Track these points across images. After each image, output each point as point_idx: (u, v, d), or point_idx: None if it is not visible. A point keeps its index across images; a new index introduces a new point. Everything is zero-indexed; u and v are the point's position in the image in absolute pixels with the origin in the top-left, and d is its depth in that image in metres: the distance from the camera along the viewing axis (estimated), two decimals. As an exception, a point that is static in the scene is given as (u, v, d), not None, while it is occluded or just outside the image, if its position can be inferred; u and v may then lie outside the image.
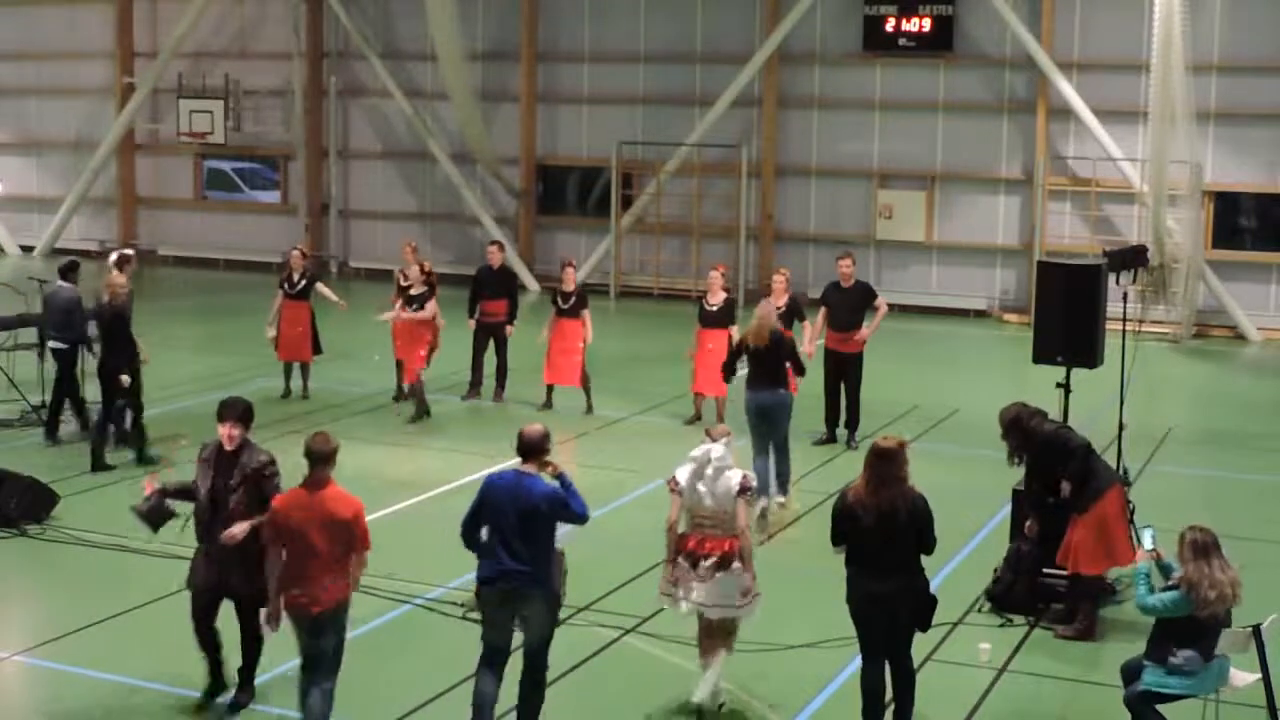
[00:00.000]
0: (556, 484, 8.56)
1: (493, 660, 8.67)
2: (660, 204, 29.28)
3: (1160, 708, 8.51)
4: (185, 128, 32.48)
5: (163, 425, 16.94)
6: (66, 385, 16.10)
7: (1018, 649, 10.54)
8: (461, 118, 29.28)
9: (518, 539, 8.42)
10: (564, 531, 8.72)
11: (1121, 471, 12.05)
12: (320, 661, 8.62)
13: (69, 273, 16.47)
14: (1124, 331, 11.85)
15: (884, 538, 8.65)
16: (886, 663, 8.85)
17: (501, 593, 8.49)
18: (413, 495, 14.12)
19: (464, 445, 16.32)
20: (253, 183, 33.93)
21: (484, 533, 8.58)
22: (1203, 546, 8.38)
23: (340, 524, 8.43)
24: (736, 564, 9.15)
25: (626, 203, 29.38)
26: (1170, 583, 8.50)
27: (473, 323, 18.51)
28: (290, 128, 32.42)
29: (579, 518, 8.59)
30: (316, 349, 18.57)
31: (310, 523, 8.42)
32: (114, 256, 16.32)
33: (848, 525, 8.76)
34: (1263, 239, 26.10)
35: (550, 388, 18.10)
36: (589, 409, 17.92)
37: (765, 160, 28.57)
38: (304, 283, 18.41)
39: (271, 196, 33.71)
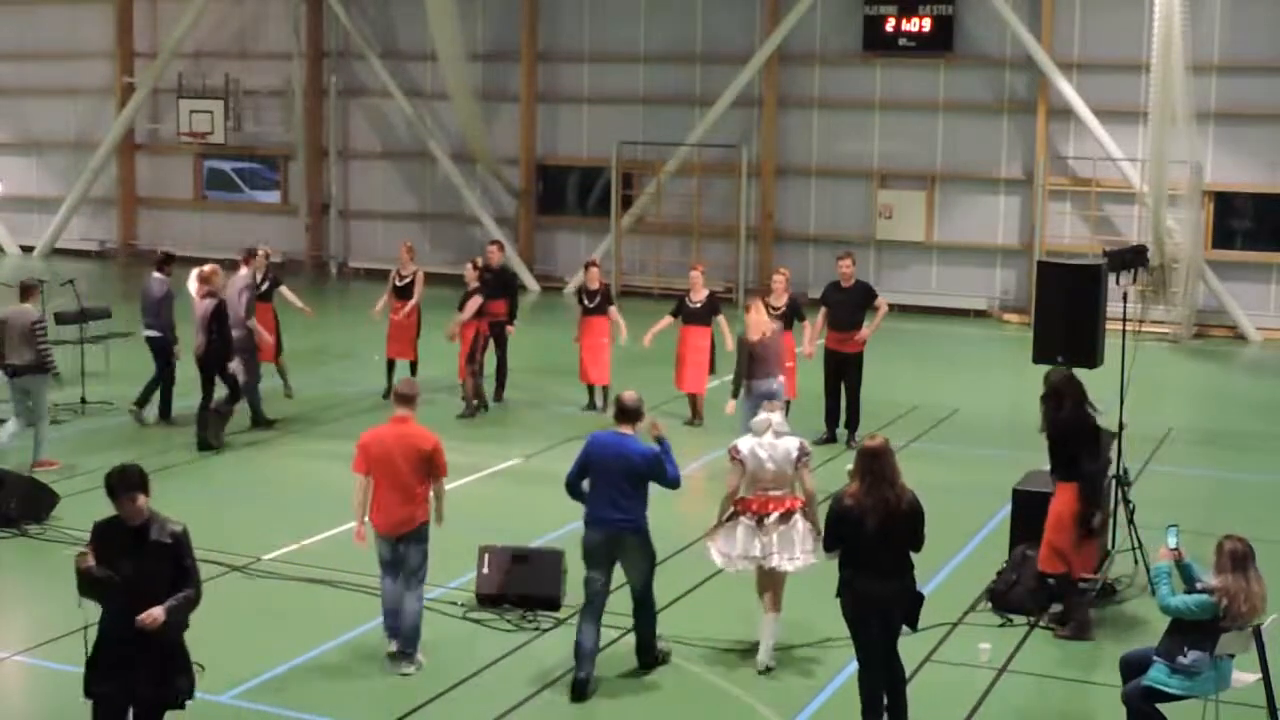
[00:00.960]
0: (656, 445, 9.71)
1: (595, 604, 9.73)
2: (660, 204, 29.28)
3: (1160, 707, 8.51)
4: (185, 128, 32.47)
5: (162, 424, 16.94)
6: (161, 371, 16.91)
7: (1018, 649, 10.54)
8: (461, 118, 29.28)
9: (619, 492, 9.62)
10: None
11: (1121, 471, 12.05)
12: (409, 573, 9.90)
13: (163, 265, 17.21)
14: (1124, 331, 11.85)
15: (883, 538, 8.65)
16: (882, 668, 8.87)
17: (606, 537, 9.65)
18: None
19: (464, 445, 16.30)
20: (253, 183, 33.92)
21: (586, 484, 9.79)
22: (1241, 558, 8.33)
23: (422, 454, 9.83)
24: (798, 518, 9.94)
25: (626, 203, 29.37)
26: (1200, 587, 8.44)
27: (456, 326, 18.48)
28: (290, 128, 32.42)
29: (672, 481, 9.74)
30: (279, 348, 18.53)
31: (396, 453, 9.78)
32: (242, 251, 17.52)
33: (846, 529, 8.75)
34: (1263, 239, 26.08)
35: (591, 388, 18.12)
36: (604, 406, 17.96)
37: (765, 160, 28.56)
38: (267, 284, 18.32)
39: (271, 196, 33.70)
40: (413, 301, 18.34)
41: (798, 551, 9.95)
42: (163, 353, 16.94)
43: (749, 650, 10.32)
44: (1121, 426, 12.25)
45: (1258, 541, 8.61)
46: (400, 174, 32.05)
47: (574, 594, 11.21)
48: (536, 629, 10.67)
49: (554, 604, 11.03)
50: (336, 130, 32.32)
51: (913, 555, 8.86)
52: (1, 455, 14.72)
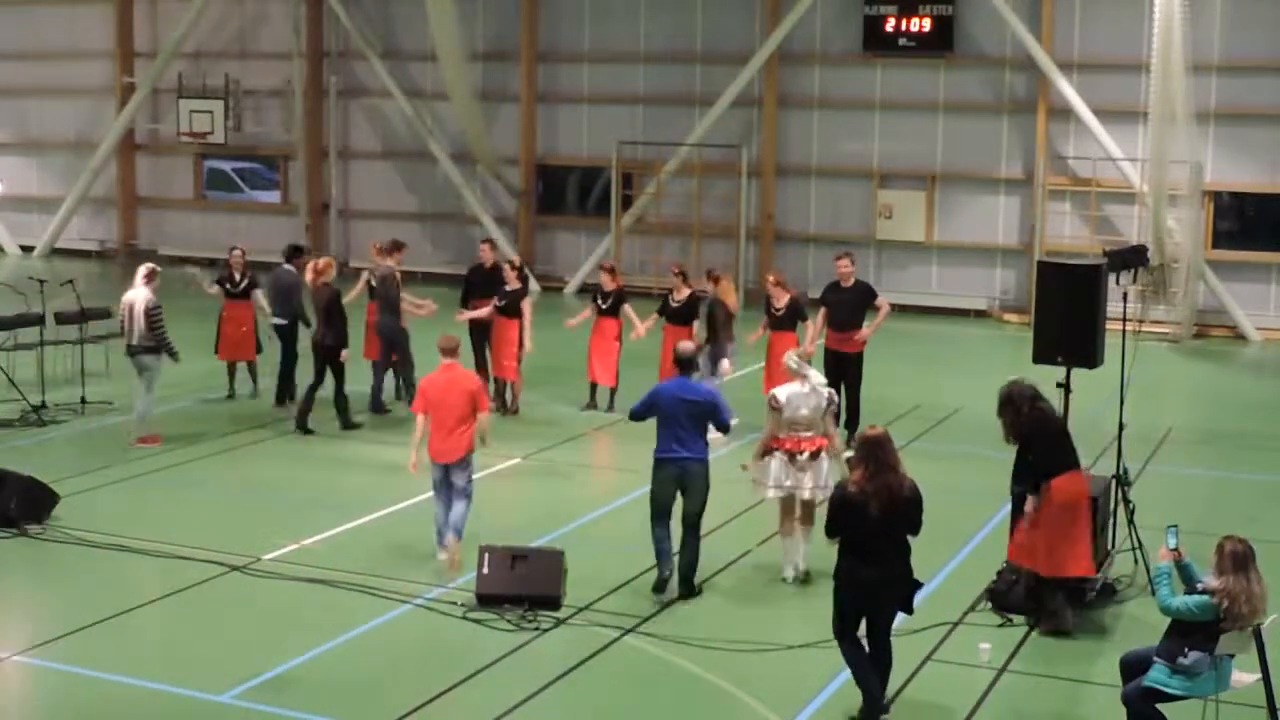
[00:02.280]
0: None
1: (662, 516, 11.42)
2: (660, 204, 29.28)
3: (1160, 707, 8.50)
4: (185, 128, 32.47)
5: (162, 424, 16.94)
6: (285, 358, 17.82)
7: (1018, 649, 10.54)
8: (461, 118, 29.28)
9: (684, 429, 11.19)
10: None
11: (1122, 471, 12.06)
12: (458, 491, 12.01)
13: (292, 257, 18.12)
14: (1124, 331, 11.85)
15: (886, 526, 8.83)
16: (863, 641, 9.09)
17: (674, 467, 11.21)
18: (412, 496, 14.11)
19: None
20: (253, 183, 33.91)
21: (655, 423, 11.33)
22: (1242, 558, 8.31)
23: (469, 393, 11.94)
24: (824, 455, 11.65)
25: (626, 203, 29.37)
26: (1201, 588, 8.43)
27: (464, 316, 18.41)
28: (290, 128, 32.42)
29: (724, 425, 11.57)
30: (258, 348, 18.61)
31: (448, 393, 11.88)
32: (386, 242, 18.29)
33: (850, 516, 8.90)
34: (1263, 239, 26.08)
35: (594, 387, 18.22)
36: (610, 407, 18.04)
37: (765, 160, 28.57)
38: (245, 283, 18.52)
39: (271, 196, 33.70)
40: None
41: (824, 481, 11.53)
42: (286, 340, 17.82)
43: (748, 650, 10.33)
44: (1121, 426, 12.26)
45: (1257, 541, 8.61)
46: (400, 174, 32.05)
47: (574, 594, 11.23)
48: (536, 629, 10.67)
49: (554, 604, 11.03)
50: (336, 130, 32.32)
51: (910, 541, 9.05)
52: (3, 455, 14.74)
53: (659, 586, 11.40)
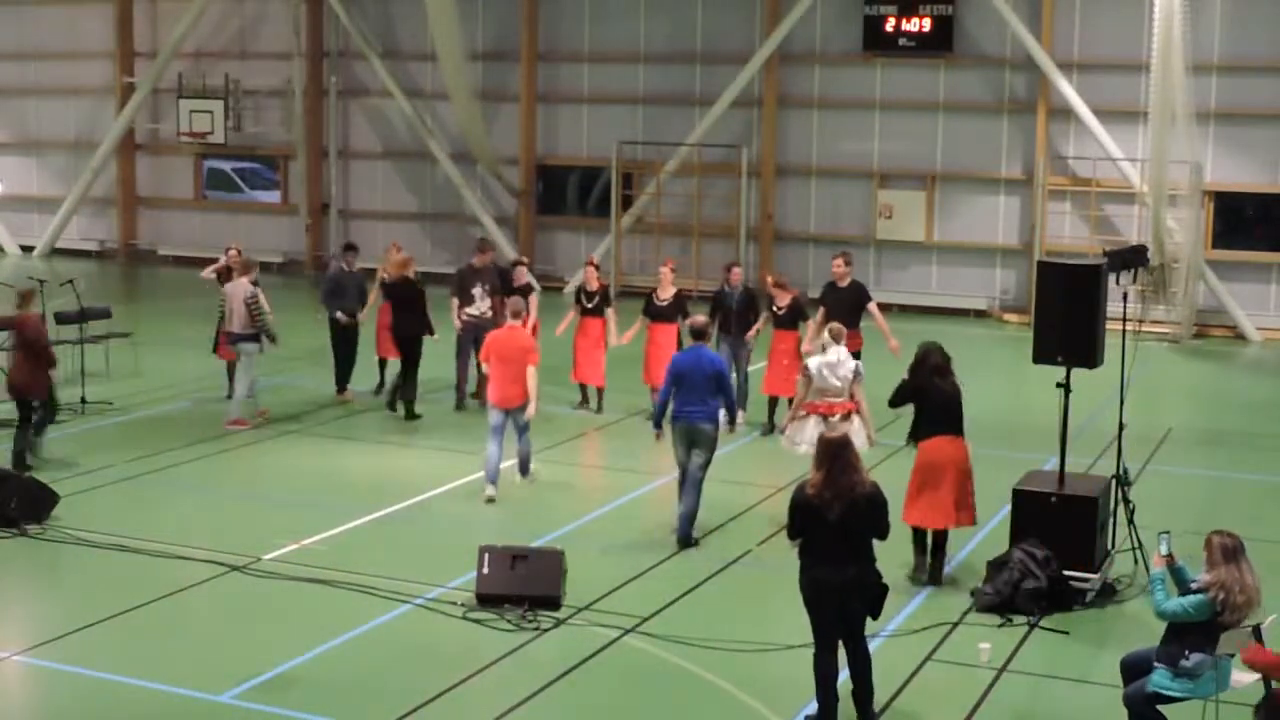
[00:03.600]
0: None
1: (681, 472, 12.79)
2: (660, 204, 29.28)
3: (1161, 709, 8.51)
4: (185, 128, 32.46)
5: (162, 424, 16.97)
6: (348, 351, 18.50)
7: (1018, 649, 10.54)
8: (462, 118, 29.27)
9: (701, 392, 12.58)
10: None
11: (1122, 471, 12.06)
12: (520, 428, 14.17)
13: (347, 252, 18.94)
14: (1124, 331, 11.85)
15: (844, 528, 8.79)
16: (839, 649, 9.03)
17: (689, 426, 12.59)
18: (412, 496, 14.13)
19: (462, 445, 16.32)
20: (253, 183, 33.91)
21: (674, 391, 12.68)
22: (1232, 550, 8.32)
23: (523, 348, 14.02)
24: (854, 416, 13.08)
25: (626, 203, 29.37)
26: (1195, 586, 8.44)
27: (458, 320, 18.34)
28: (290, 128, 32.41)
29: (730, 405, 13.01)
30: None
31: (508, 347, 14.06)
32: (478, 243, 19.13)
33: (807, 518, 8.88)
34: (1263, 239, 26.08)
35: (584, 387, 18.21)
36: (599, 408, 17.98)
37: (765, 160, 28.57)
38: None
39: (271, 196, 33.69)
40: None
41: (854, 438, 11.68)
42: (346, 334, 18.41)
43: (748, 650, 10.33)
44: (1121, 426, 12.25)
45: (1257, 541, 8.62)
46: (400, 174, 32.05)
47: (574, 594, 11.23)
48: (536, 629, 10.67)
49: (554, 604, 11.03)
50: (336, 130, 32.31)
51: (876, 543, 9.00)
52: (3, 456, 14.75)
53: (681, 544, 12.73)
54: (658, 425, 12.89)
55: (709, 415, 12.68)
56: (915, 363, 11.99)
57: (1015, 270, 27.21)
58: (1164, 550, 8.67)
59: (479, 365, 17.72)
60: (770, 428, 16.84)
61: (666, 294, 17.49)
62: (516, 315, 14.35)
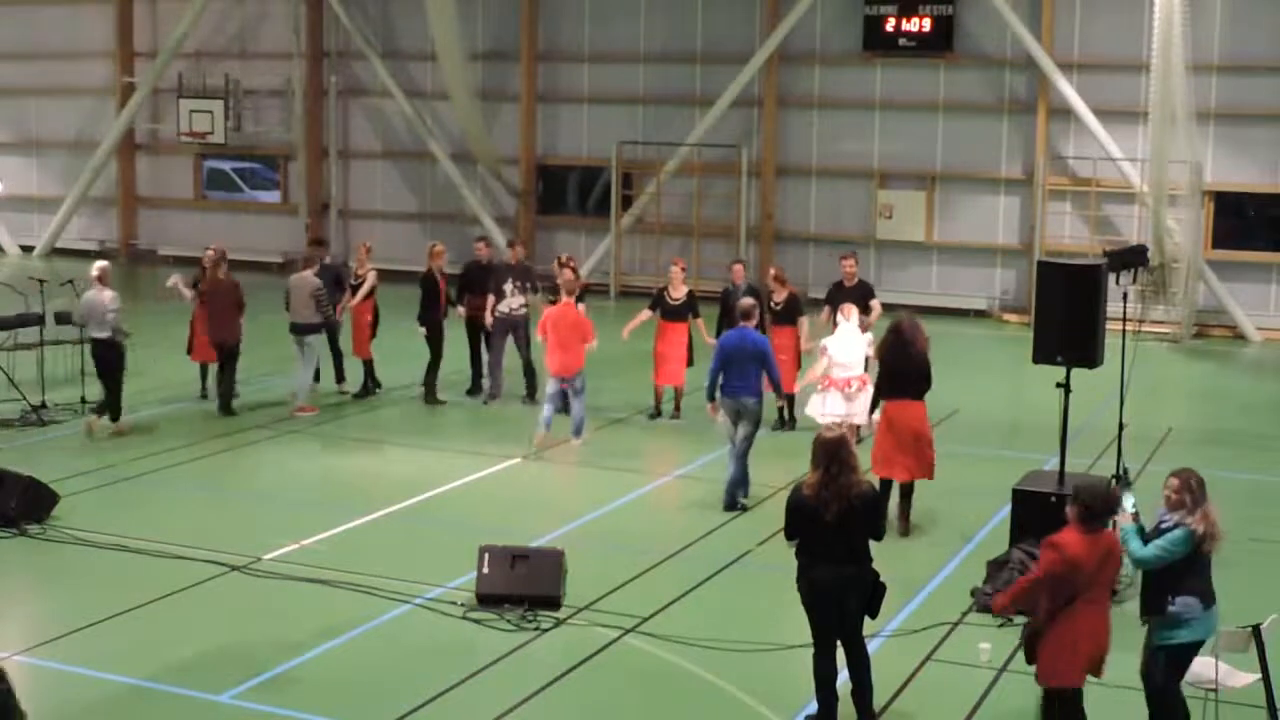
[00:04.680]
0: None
1: (729, 444, 13.93)
2: (660, 204, 29.28)
3: (1153, 704, 8.49)
4: (185, 128, 32.46)
5: (162, 424, 16.96)
6: (335, 347, 18.91)
7: (1018, 649, 10.51)
8: (462, 118, 29.28)
9: (747, 371, 13.66)
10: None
11: (1122, 471, 12.05)
12: (575, 391, 15.92)
13: (318, 248, 19.64)
14: (1124, 331, 11.85)
15: (839, 528, 8.78)
16: (837, 650, 9.02)
17: (736, 402, 13.65)
18: (412, 495, 14.13)
19: (463, 445, 16.33)
20: (253, 183, 33.92)
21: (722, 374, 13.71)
22: (1200, 483, 8.36)
23: (578, 323, 15.85)
24: (869, 386, 14.46)
25: (626, 203, 29.38)
26: (1166, 525, 8.35)
27: (461, 311, 18.61)
28: (290, 128, 32.42)
29: (775, 380, 14.06)
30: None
31: (561, 321, 15.76)
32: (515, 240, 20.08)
33: (803, 519, 8.89)
34: (1263, 239, 26.08)
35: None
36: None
37: (765, 160, 28.57)
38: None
39: (271, 196, 33.70)
40: (359, 298, 18.99)
41: (866, 407, 14.40)
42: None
43: (748, 650, 10.33)
44: (1121, 426, 12.26)
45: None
46: (400, 174, 32.06)
47: (574, 594, 11.23)
48: (536, 629, 10.67)
49: (554, 604, 11.03)
50: (336, 130, 32.32)
51: (873, 544, 8.99)
52: (3, 455, 14.75)
53: (727, 507, 13.81)
54: (710, 399, 13.75)
55: (753, 391, 13.66)
56: (887, 333, 13.32)
57: (1015, 270, 27.20)
58: (1130, 508, 8.64)
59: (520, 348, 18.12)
60: (780, 423, 16.93)
61: (679, 293, 17.58)
62: (570, 294, 16.07)
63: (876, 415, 13.37)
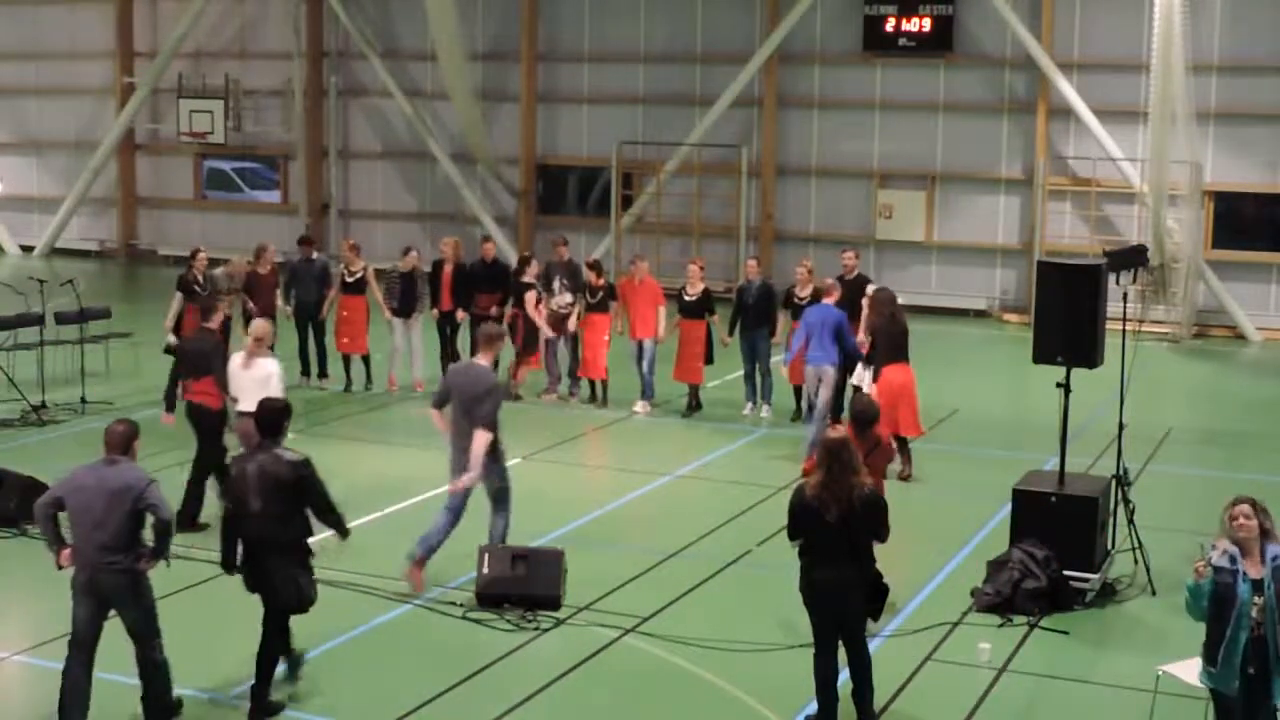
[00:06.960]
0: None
1: (808, 404, 16.05)
2: (660, 204, 29.29)
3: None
4: (185, 128, 32.48)
5: (162, 424, 16.93)
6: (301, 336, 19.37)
7: (1018, 649, 10.54)
8: (461, 118, 29.28)
9: (824, 340, 15.40)
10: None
11: (1122, 471, 12.05)
12: (648, 359, 17.56)
13: (303, 245, 19.78)
14: (1124, 331, 11.85)
15: (842, 530, 8.77)
16: (838, 651, 9.01)
17: (813, 366, 15.52)
18: (412, 496, 14.12)
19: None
20: (253, 183, 33.92)
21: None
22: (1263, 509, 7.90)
23: (653, 292, 17.61)
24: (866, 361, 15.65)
25: (626, 203, 29.38)
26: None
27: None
28: (290, 128, 32.43)
29: (850, 349, 15.52)
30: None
31: (639, 295, 17.53)
32: (557, 239, 19.83)
33: (806, 520, 8.88)
34: (1263, 239, 26.08)
35: (591, 383, 18.47)
36: (604, 402, 18.34)
37: (765, 160, 28.57)
38: (211, 287, 18.40)
39: (271, 196, 33.70)
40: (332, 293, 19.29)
41: (866, 375, 15.32)
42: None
43: (748, 650, 10.33)
44: (1121, 426, 12.25)
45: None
46: (400, 174, 32.06)
47: (574, 594, 11.22)
48: (536, 629, 10.67)
49: (554, 604, 11.03)
50: (336, 130, 32.33)
51: (877, 546, 8.98)
52: (3, 455, 14.74)
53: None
54: (788, 363, 16.29)
55: (830, 359, 15.34)
56: (873, 303, 15.20)
57: (1015, 270, 27.21)
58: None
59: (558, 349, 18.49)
60: (798, 413, 17.24)
61: (695, 290, 17.80)
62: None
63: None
